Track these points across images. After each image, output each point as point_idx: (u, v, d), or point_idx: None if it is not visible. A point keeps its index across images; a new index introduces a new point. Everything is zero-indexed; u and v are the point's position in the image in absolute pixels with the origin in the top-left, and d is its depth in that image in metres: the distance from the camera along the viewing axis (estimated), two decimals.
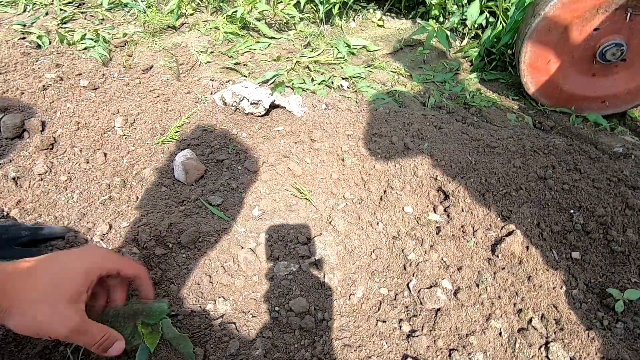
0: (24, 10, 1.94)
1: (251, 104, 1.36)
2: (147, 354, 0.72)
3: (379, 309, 0.87)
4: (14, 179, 1.11)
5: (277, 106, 1.43)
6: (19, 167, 1.16)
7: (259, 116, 1.40)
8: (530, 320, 0.84)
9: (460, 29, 2.14)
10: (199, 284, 0.88)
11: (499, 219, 1.07)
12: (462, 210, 1.10)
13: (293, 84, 1.61)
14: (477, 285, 0.91)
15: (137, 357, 0.71)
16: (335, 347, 0.79)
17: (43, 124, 1.29)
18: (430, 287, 0.90)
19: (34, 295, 0.59)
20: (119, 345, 0.67)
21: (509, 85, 1.80)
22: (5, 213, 1.02)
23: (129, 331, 0.73)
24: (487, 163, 1.21)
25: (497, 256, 0.98)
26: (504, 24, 1.81)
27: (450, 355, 0.78)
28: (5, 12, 1.92)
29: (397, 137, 1.31)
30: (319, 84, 1.66)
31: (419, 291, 0.89)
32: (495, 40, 1.85)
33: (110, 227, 1.01)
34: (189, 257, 0.93)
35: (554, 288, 0.92)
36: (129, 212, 1.06)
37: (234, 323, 0.82)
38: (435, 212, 1.12)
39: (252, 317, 0.84)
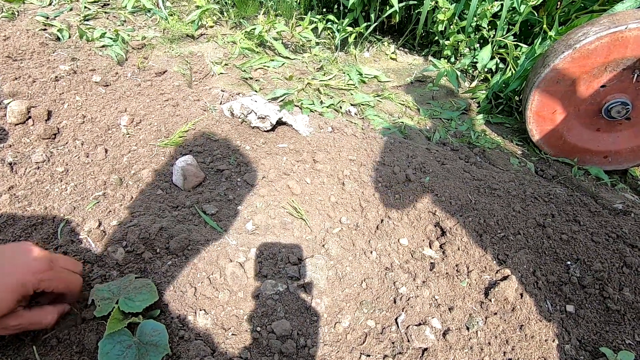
0: (50, 4, 1.99)
1: (258, 118, 1.37)
2: (108, 351, 0.69)
3: (364, 342, 0.84)
4: (10, 164, 1.10)
5: (284, 123, 1.44)
6: (18, 153, 1.15)
7: (264, 131, 1.40)
8: None
9: (471, 71, 2.19)
10: (182, 293, 0.85)
11: (494, 262, 1.06)
12: (458, 249, 1.08)
13: (302, 104, 1.63)
14: (468, 329, 0.88)
15: (99, 348, 0.69)
16: None
17: (49, 113, 1.29)
18: (419, 324, 0.87)
19: None
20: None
21: (514, 130, 1.82)
22: None
23: (106, 297, 0.77)
24: (487, 204, 1.20)
25: (490, 300, 0.95)
26: (514, 71, 1.86)
27: None
28: (32, 3, 1.96)
29: (400, 167, 1.31)
30: (327, 107, 1.67)
31: (407, 327, 0.86)
32: (503, 85, 1.89)
33: (100, 224, 0.98)
34: (175, 264, 0.90)
35: (545, 340, 0.89)
36: (121, 211, 1.04)
37: (213, 339, 0.78)
38: (430, 247, 1.10)
39: (232, 334, 0.80)
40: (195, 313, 0.82)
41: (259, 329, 0.82)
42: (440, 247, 1.10)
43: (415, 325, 0.86)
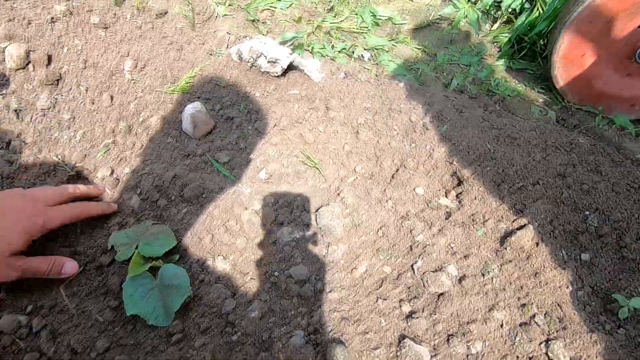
0: None
1: (268, 62, 1.29)
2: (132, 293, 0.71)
3: (380, 287, 0.85)
4: (15, 110, 1.07)
5: (295, 68, 1.37)
6: (22, 99, 1.11)
7: (275, 76, 1.33)
8: (533, 316, 0.82)
9: (492, 12, 2.03)
10: (199, 240, 0.85)
11: (511, 211, 1.04)
12: (475, 198, 1.06)
13: (313, 48, 1.54)
14: (483, 275, 0.89)
15: (124, 290, 0.71)
16: (332, 318, 0.78)
17: (49, 58, 1.23)
18: (435, 271, 0.87)
19: None
20: (71, 265, 0.73)
21: (536, 77, 1.72)
22: (4, 144, 0.97)
23: (125, 243, 0.79)
24: (506, 153, 1.16)
25: (506, 249, 0.95)
26: (541, 11, 1.71)
27: (448, 340, 0.77)
28: None
29: (416, 116, 1.26)
30: (339, 51, 1.58)
31: (423, 273, 0.87)
32: (528, 27, 1.75)
33: (112, 171, 0.97)
34: (191, 212, 0.90)
35: (559, 287, 0.89)
36: (132, 159, 1.02)
37: (232, 282, 0.80)
38: (447, 196, 1.08)
39: (251, 279, 0.81)
40: (214, 258, 0.83)
41: (277, 273, 0.83)
42: (457, 196, 1.08)
43: (432, 271, 0.87)
